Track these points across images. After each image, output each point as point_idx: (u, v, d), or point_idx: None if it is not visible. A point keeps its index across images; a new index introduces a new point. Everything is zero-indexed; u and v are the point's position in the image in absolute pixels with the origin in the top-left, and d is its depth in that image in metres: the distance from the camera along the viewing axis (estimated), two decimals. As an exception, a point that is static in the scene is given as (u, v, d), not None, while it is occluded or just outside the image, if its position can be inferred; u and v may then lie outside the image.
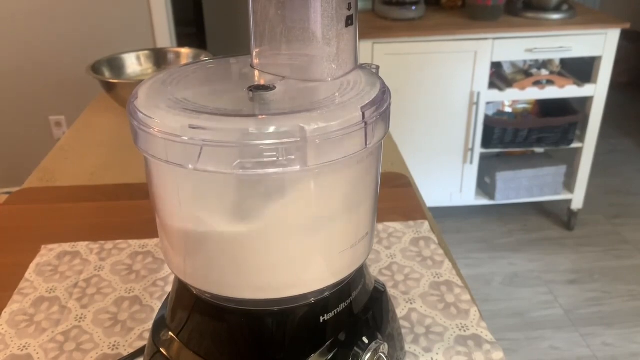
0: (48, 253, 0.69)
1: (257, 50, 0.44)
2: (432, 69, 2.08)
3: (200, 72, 0.45)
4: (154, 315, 0.60)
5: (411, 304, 0.61)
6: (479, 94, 2.11)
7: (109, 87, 1.22)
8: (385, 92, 0.41)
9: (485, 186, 2.36)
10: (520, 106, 2.33)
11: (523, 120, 2.28)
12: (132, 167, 1.00)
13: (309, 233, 0.40)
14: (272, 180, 0.37)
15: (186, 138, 0.35)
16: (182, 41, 2.54)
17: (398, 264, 0.67)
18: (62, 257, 0.68)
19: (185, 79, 0.43)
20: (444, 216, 2.39)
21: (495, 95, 2.15)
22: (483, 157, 2.28)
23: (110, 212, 0.83)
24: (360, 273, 0.46)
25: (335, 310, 0.43)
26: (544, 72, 2.20)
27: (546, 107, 2.31)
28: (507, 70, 2.25)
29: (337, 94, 0.39)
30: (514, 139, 2.24)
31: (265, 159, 0.35)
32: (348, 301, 0.44)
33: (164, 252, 0.46)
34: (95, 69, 1.26)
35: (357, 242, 0.42)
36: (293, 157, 0.35)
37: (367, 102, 0.38)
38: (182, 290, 0.46)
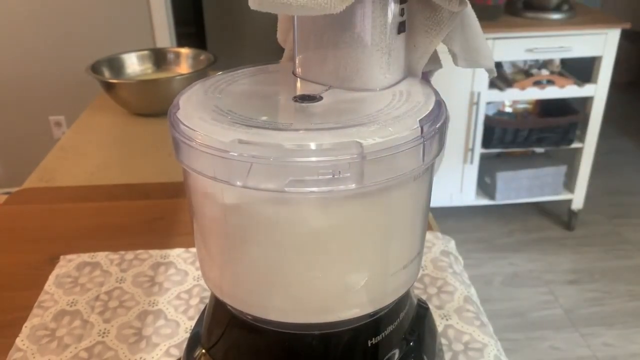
0: (67, 264, 0.66)
1: (300, 57, 0.42)
2: (432, 68, 2.06)
3: (240, 81, 0.43)
4: (179, 330, 0.58)
5: (447, 320, 0.59)
6: (479, 93, 2.10)
7: (108, 87, 1.21)
8: (441, 103, 0.38)
9: (485, 186, 2.35)
10: (521, 106, 2.33)
11: (523, 120, 2.28)
12: (132, 167, 1.00)
13: (362, 254, 0.38)
14: (324, 199, 0.35)
15: (235, 154, 0.33)
16: (182, 41, 2.51)
17: (430, 276, 0.65)
18: (81, 268, 0.66)
19: (226, 89, 0.41)
20: (444, 216, 2.38)
21: (496, 95, 2.14)
22: (483, 157, 2.27)
23: (111, 212, 0.82)
24: (406, 292, 0.44)
25: (384, 333, 0.41)
26: (544, 72, 2.20)
27: (546, 107, 2.30)
28: (508, 70, 2.24)
29: (391, 106, 0.37)
30: (514, 139, 2.23)
31: (319, 177, 0.33)
32: (396, 323, 0.42)
33: (202, 268, 0.44)
34: (95, 69, 1.26)
35: (409, 262, 0.40)
36: (348, 174, 0.33)
37: (424, 115, 0.36)
38: (218, 307, 0.44)
